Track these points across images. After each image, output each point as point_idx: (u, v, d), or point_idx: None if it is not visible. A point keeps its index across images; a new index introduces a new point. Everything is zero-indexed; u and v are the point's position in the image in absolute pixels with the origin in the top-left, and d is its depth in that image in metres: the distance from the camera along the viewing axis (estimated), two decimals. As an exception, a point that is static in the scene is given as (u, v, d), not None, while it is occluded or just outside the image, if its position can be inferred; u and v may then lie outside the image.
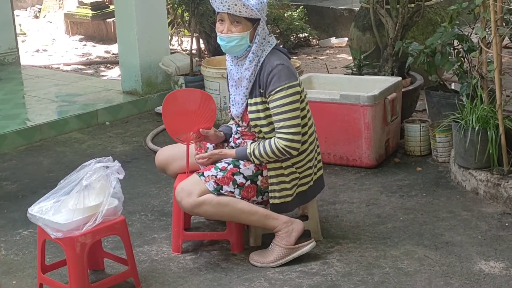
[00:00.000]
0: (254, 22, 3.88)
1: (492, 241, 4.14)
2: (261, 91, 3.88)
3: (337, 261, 3.98)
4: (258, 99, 3.89)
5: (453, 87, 5.74)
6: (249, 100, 3.92)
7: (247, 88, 3.91)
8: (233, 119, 4.10)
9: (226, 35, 3.87)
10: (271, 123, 3.88)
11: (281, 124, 3.82)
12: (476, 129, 4.65)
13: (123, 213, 4.54)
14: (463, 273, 3.81)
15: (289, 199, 3.95)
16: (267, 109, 3.87)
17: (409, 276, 3.80)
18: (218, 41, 3.95)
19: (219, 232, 4.26)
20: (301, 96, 3.92)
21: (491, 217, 4.43)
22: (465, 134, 4.70)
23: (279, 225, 3.96)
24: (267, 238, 4.09)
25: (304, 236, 4.08)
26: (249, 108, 3.91)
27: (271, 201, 3.94)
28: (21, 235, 4.50)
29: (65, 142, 6.20)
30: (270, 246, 3.99)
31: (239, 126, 4.06)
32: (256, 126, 3.91)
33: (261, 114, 3.89)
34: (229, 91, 4.11)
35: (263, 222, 3.95)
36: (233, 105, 4.01)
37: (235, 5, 3.79)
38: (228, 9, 3.82)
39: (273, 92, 3.83)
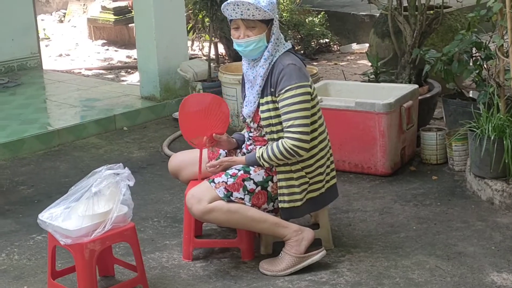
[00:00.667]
0: (268, 23, 3.90)
1: (506, 252, 4.09)
2: (272, 90, 3.89)
3: (347, 271, 3.95)
4: (269, 98, 3.89)
5: (471, 95, 5.69)
6: (260, 99, 3.93)
7: (260, 86, 3.92)
8: (244, 121, 4.10)
9: (243, 41, 3.88)
10: (281, 123, 3.88)
11: (289, 123, 3.81)
12: (492, 138, 4.61)
13: (136, 219, 4.61)
14: (475, 284, 3.77)
15: (298, 203, 3.93)
16: (278, 108, 3.87)
17: (419, 287, 3.76)
18: (236, 47, 3.96)
19: (229, 240, 4.26)
20: (312, 98, 3.90)
21: (506, 227, 4.38)
22: (481, 143, 4.66)
23: (289, 233, 3.94)
24: (278, 246, 4.08)
25: (315, 244, 4.07)
26: (261, 108, 3.92)
27: (280, 205, 3.93)
28: (35, 240, 4.52)
29: (82, 147, 6.23)
30: (280, 254, 3.98)
31: (250, 132, 4.06)
32: (268, 125, 3.90)
33: (272, 113, 3.89)
34: (243, 95, 4.11)
35: (273, 230, 3.95)
36: (246, 105, 4.02)
37: (248, 9, 3.80)
38: (242, 15, 3.83)
39: (283, 91, 3.83)
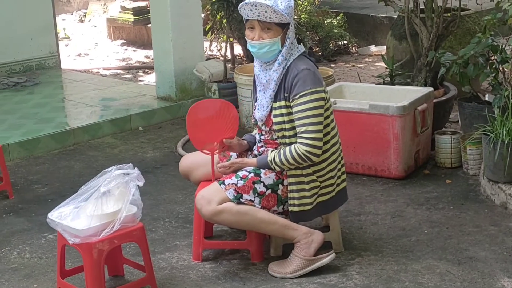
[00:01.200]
0: (284, 26, 3.87)
1: (518, 258, 4.06)
2: (286, 95, 3.87)
3: (356, 274, 3.93)
4: (283, 103, 3.88)
5: (486, 99, 5.65)
6: (273, 103, 3.91)
7: (273, 91, 3.91)
8: (256, 124, 4.09)
9: (257, 42, 3.87)
10: (294, 127, 3.86)
11: (303, 128, 3.79)
12: (506, 142, 4.57)
13: (148, 219, 4.63)
14: (485, 289, 3.74)
15: (308, 207, 3.92)
16: (291, 113, 3.86)
17: (428, 291, 3.74)
18: (249, 47, 3.95)
19: (239, 241, 4.25)
20: (325, 104, 3.89)
21: (518, 232, 4.35)
22: (495, 147, 4.62)
23: (299, 235, 3.93)
24: (287, 248, 4.07)
25: (326, 247, 4.05)
26: (274, 112, 3.90)
27: (290, 208, 3.92)
28: (47, 238, 4.55)
29: (97, 147, 6.26)
30: (289, 256, 3.97)
31: (262, 134, 4.05)
32: (280, 130, 3.89)
33: (285, 118, 3.87)
34: (255, 97, 4.10)
35: (282, 232, 3.93)
36: (258, 108, 4.00)
37: (265, 11, 3.78)
38: (258, 16, 3.81)
39: (297, 96, 3.82)
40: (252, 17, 3.84)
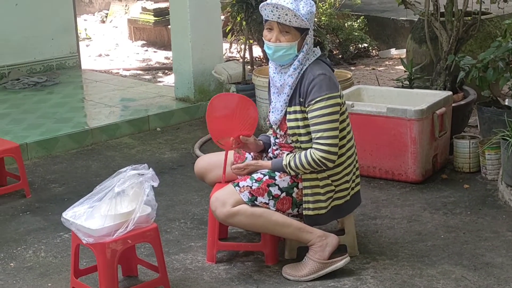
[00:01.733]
0: (303, 31, 3.85)
1: (535, 264, 4.01)
2: (301, 100, 3.85)
3: (371, 278, 3.91)
4: (298, 108, 3.86)
5: (506, 103, 5.59)
6: (288, 108, 3.89)
7: (288, 95, 3.89)
8: (271, 127, 4.07)
9: (274, 44, 3.85)
10: (309, 132, 3.84)
11: (319, 134, 3.77)
12: (525, 147, 4.53)
13: (163, 220, 4.64)
14: (500, 296, 3.71)
15: (323, 211, 3.90)
16: (306, 118, 3.84)
17: (443, 297, 3.71)
18: (265, 49, 3.93)
19: (253, 243, 4.24)
20: (341, 108, 3.87)
21: (536, 239, 4.31)
22: (513, 152, 4.58)
23: (313, 238, 3.91)
24: (302, 251, 4.05)
25: (340, 251, 4.03)
26: (288, 117, 3.88)
27: (304, 212, 3.90)
28: (62, 238, 4.56)
29: (115, 147, 6.27)
30: (304, 259, 3.95)
31: (276, 137, 4.04)
32: (294, 134, 3.87)
33: (300, 123, 3.85)
34: (269, 99, 4.09)
35: (296, 235, 3.92)
36: (272, 112, 3.99)
37: (286, 14, 3.76)
38: (278, 18, 3.79)
39: (312, 102, 3.79)
40: (272, 18, 3.82)
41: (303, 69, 3.87)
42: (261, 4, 3.82)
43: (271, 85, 4.05)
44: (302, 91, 3.85)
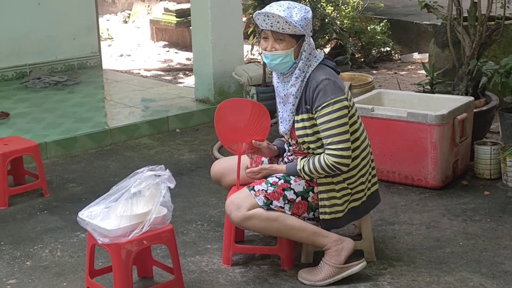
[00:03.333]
0: (299, 38, 3.82)
1: (555, 273, 3.95)
2: (308, 107, 3.82)
3: (387, 284, 3.87)
4: (305, 116, 3.83)
5: (528, 110, 5.53)
6: (295, 117, 3.87)
7: (293, 105, 3.86)
8: (283, 136, 4.05)
9: (270, 53, 3.83)
10: (319, 139, 3.81)
11: (329, 140, 3.74)
12: (547, 154, 4.46)
13: (180, 221, 4.63)
14: (519, 305, 3.65)
15: (340, 215, 3.87)
16: (315, 125, 3.80)
17: (460, 305, 3.66)
18: (263, 58, 3.93)
19: (270, 247, 4.21)
20: (349, 111, 3.83)
21: (556, 247, 4.24)
22: (535, 159, 4.51)
23: (329, 243, 3.88)
24: (319, 256, 4.01)
25: (358, 255, 3.99)
26: (296, 125, 3.85)
27: (321, 216, 3.87)
28: (79, 237, 4.56)
29: (134, 147, 6.27)
30: (320, 264, 3.92)
31: (290, 145, 4.01)
32: (304, 142, 3.85)
33: (309, 131, 3.82)
34: (277, 109, 4.06)
35: (312, 239, 3.89)
36: (281, 122, 3.97)
37: (278, 22, 3.74)
38: (271, 26, 3.77)
39: (319, 108, 3.76)
40: (266, 27, 3.80)
41: (306, 76, 3.84)
42: (254, 14, 3.83)
43: (276, 94, 4.02)
44: (307, 98, 3.82)
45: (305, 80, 3.83)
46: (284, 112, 3.92)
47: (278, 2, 3.81)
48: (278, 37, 3.80)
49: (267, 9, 3.75)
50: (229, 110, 4.08)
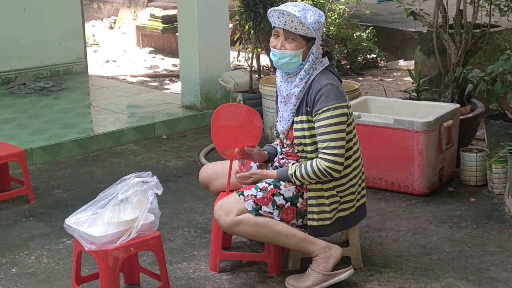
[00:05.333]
0: (309, 40, 3.83)
1: (541, 280, 3.97)
2: (308, 109, 3.82)
3: (375, 291, 3.88)
4: (304, 117, 3.83)
5: (514, 117, 5.56)
6: (295, 117, 3.87)
7: (294, 105, 3.86)
8: (277, 137, 4.05)
9: (279, 51, 3.83)
10: (315, 142, 3.81)
11: (325, 144, 3.75)
12: (532, 161, 4.49)
13: (167, 228, 4.62)
14: (505, 311, 3.66)
15: (327, 222, 3.87)
16: (312, 128, 3.81)
17: (447, 311, 3.67)
18: (271, 56, 3.92)
19: (257, 253, 4.21)
20: (348, 119, 3.84)
21: (542, 254, 4.26)
22: (521, 166, 4.54)
23: (317, 250, 3.88)
24: (306, 262, 4.01)
25: (345, 262, 3.99)
26: (295, 126, 3.86)
27: (309, 223, 3.86)
28: (65, 244, 4.54)
29: (120, 154, 6.25)
30: (307, 271, 3.91)
31: (283, 147, 4.01)
32: (300, 144, 3.85)
33: (306, 133, 3.83)
34: (277, 108, 4.07)
35: (300, 245, 3.88)
36: (280, 121, 3.97)
37: (292, 21, 3.75)
38: (284, 24, 3.78)
39: (319, 111, 3.77)
40: (279, 25, 3.81)
41: (310, 79, 3.85)
42: (269, 10, 3.82)
43: (278, 93, 4.02)
44: (309, 100, 3.82)
45: (309, 82, 3.84)
46: (285, 112, 3.92)
47: (294, 3, 3.81)
48: (290, 36, 3.80)
49: (283, 7, 3.75)
50: (225, 115, 4.07)
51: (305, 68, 3.84)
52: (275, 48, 3.85)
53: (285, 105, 3.94)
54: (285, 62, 3.84)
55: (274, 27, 3.86)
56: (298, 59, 3.83)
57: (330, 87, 3.79)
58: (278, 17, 3.77)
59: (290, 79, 3.90)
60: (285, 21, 3.77)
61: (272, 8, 3.79)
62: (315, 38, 3.83)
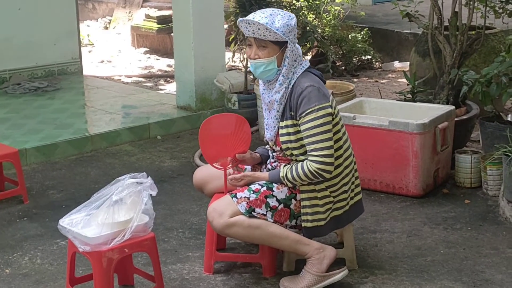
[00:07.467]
0: (282, 45, 3.82)
1: (535, 282, 3.97)
2: (292, 113, 3.82)
3: (369, 293, 3.87)
4: (289, 122, 3.83)
5: (509, 119, 5.57)
6: (280, 123, 3.87)
7: (278, 111, 3.87)
8: (267, 143, 4.05)
9: (254, 61, 3.85)
10: (302, 145, 3.81)
11: (312, 146, 3.74)
12: (527, 164, 4.49)
13: (161, 229, 4.61)
14: (500, 313, 3.66)
15: (322, 223, 3.86)
16: (298, 131, 3.81)
17: (442, 313, 3.67)
18: (249, 67, 3.94)
19: (251, 255, 4.20)
20: (333, 118, 3.83)
21: (537, 256, 4.26)
22: (515, 168, 4.54)
23: (311, 251, 3.88)
24: (300, 264, 4.00)
25: (339, 263, 3.99)
26: (280, 131, 3.86)
27: (303, 224, 3.86)
28: (59, 245, 4.53)
29: (115, 154, 6.24)
30: (301, 272, 3.91)
31: (274, 151, 4.01)
32: (287, 149, 3.85)
33: (292, 137, 3.83)
34: (264, 116, 4.06)
35: (294, 247, 3.88)
36: (266, 129, 3.97)
37: (259, 29, 3.76)
38: (253, 33, 3.79)
39: (303, 115, 3.77)
40: (248, 34, 3.83)
41: (291, 83, 3.85)
42: (238, 20, 3.84)
43: (262, 102, 4.02)
44: (292, 104, 3.82)
45: (290, 86, 3.83)
46: (269, 119, 3.92)
47: (262, 10, 3.82)
48: (261, 44, 3.81)
49: (250, 16, 3.76)
50: (213, 127, 4.07)
51: (283, 73, 3.83)
52: (250, 57, 3.87)
53: (269, 112, 3.94)
54: (262, 71, 3.84)
55: (247, 37, 3.87)
56: (273, 66, 3.83)
57: (311, 89, 3.79)
58: (246, 27, 3.79)
59: (271, 86, 3.90)
60: (253, 30, 3.78)
61: (240, 19, 3.81)
62: (287, 42, 3.82)
